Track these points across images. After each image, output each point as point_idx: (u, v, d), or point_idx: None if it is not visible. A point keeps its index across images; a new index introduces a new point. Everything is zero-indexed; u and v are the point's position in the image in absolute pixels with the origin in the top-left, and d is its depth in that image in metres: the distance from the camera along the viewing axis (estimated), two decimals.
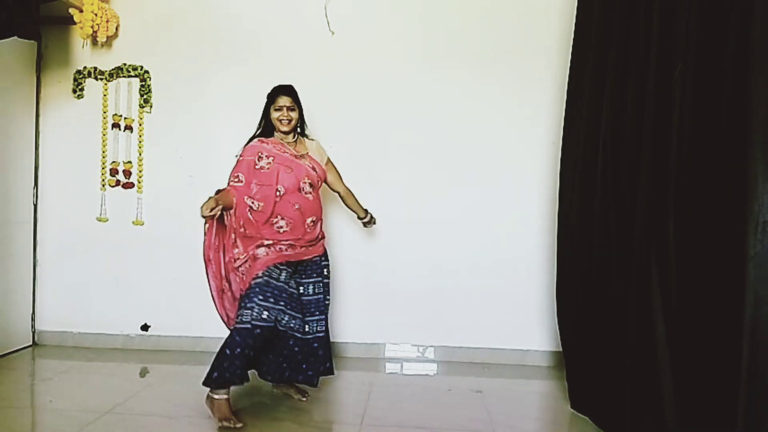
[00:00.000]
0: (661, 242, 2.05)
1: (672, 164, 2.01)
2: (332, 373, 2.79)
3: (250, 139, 2.76)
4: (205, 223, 2.58)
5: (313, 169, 2.72)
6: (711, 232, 1.84)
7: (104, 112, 3.67)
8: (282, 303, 2.57)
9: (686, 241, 1.96)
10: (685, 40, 1.96)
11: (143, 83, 3.64)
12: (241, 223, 2.60)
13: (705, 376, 1.87)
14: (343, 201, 3.01)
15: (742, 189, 1.67)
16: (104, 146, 3.67)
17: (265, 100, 2.76)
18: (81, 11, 3.39)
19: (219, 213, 2.48)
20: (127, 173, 3.67)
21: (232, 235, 2.62)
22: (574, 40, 2.82)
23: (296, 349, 2.66)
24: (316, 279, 2.77)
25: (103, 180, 3.68)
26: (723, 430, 1.73)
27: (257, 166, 2.64)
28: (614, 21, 2.42)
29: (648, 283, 2.08)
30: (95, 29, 3.43)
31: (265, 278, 2.54)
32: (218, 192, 2.59)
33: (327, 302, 2.79)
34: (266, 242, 2.58)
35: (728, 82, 1.78)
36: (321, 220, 2.78)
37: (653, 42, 2.11)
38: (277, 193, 2.61)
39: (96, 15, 3.39)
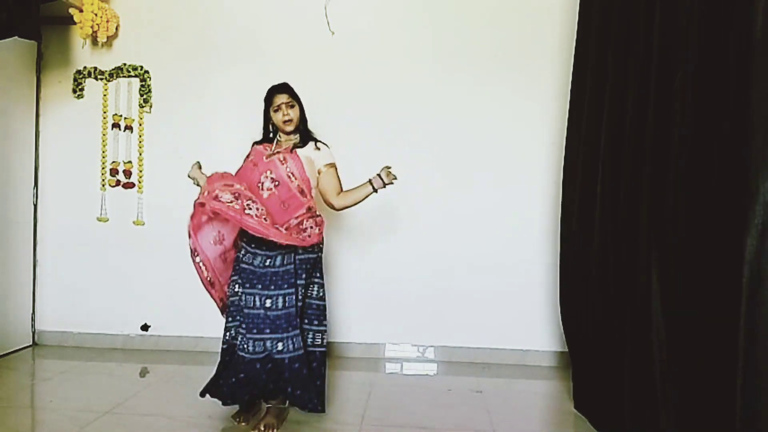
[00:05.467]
0: (660, 245, 2.05)
1: (672, 167, 2.01)
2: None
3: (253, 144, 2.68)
4: None
5: (283, 161, 2.47)
6: (711, 234, 1.84)
7: (104, 112, 3.67)
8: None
9: (686, 244, 1.96)
10: (686, 42, 1.96)
11: (143, 83, 3.64)
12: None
13: (703, 378, 1.86)
14: (343, 208, 2.61)
15: (741, 190, 1.67)
16: (104, 146, 3.67)
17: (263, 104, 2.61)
18: (81, 11, 3.39)
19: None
20: (128, 173, 3.67)
21: None
22: (576, 44, 2.82)
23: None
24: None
25: (103, 180, 3.68)
26: None
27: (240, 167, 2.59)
28: (614, 25, 2.43)
29: (647, 285, 2.08)
30: (95, 29, 3.43)
31: None
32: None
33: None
34: None
35: (729, 84, 1.78)
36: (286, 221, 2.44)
37: (654, 46, 2.11)
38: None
39: (96, 15, 3.40)
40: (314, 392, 2.44)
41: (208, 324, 3.64)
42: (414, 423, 2.56)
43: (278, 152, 2.54)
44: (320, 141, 2.62)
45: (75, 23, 3.41)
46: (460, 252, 3.55)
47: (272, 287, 2.38)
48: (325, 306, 2.58)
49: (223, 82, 3.62)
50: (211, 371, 3.30)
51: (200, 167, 2.70)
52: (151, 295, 3.68)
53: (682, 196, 1.96)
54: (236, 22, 3.62)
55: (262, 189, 2.46)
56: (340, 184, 2.59)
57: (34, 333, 3.70)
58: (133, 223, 3.68)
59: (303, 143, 2.57)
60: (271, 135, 2.65)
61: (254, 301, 2.39)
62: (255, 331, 2.37)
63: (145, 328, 3.68)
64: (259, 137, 2.68)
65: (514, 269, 3.52)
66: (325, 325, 2.58)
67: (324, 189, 2.57)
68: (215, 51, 3.63)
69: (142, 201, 3.68)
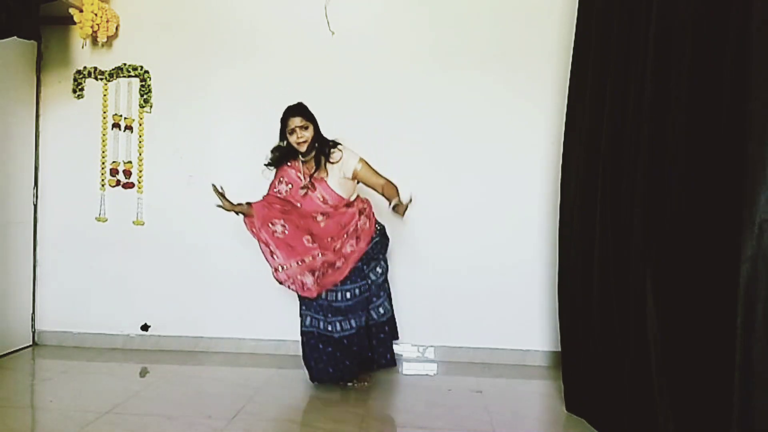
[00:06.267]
0: (658, 244, 2.06)
1: (671, 166, 2.01)
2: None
3: (276, 161, 2.89)
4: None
5: (324, 201, 2.82)
6: (708, 234, 1.84)
7: (104, 112, 3.67)
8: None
9: (684, 243, 1.96)
10: (684, 40, 1.97)
11: (143, 83, 3.64)
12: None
13: (700, 378, 1.86)
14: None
15: (739, 189, 1.67)
16: (104, 146, 3.67)
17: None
18: (81, 11, 3.39)
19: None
20: (128, 173, 3.67)
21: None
22: (575, 43, 2.82)
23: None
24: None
25: (103, 180, 3.68)
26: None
27: (275, 189, 2.86)
28: (614, 23, 2.43)
29: (644, 285, 2.08)
30: (95, 29, 3.43)
31: None
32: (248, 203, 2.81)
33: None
34: None
35: (727, 81, 1.78)
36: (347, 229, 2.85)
37: (650, 45, 2.12)
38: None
39: (96, 15, 3.40)
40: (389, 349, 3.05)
41: (208, 324, 3.66)
42: (414, 423, 2.57)
43: (311, 185, 2.79)
44: (332, 149, 2.83)
45: (75, 23, 3.41)
46: (460, 252, 3.55)
47: (348, 282, 2.82)
48: (382, 282, 3.00)
49: (223, 82, 3.62)
50: (210, 371, 3.32)
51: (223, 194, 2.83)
52: (151, 295, 3.68)
53: (681, 196, 1.97)
54: (236, 22, 3.62)
55: (317, 221, 2.82)
56: (381, 176, 2.88)
57: (34, 333, 3.70)
58: (133, 223, 3.68)
59: (317, 165, 2.82)
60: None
61: (335, 296, 2.81)
62: (340, 316, 2.80)
63: (145, 328, 3.68)
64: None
65: (515, 269, 3.52)
66: (386, 297, 3.04)
67: (370, 187, 2.91)
68: (215, 51, 3.62)
69: (142, 201, 3.68)
